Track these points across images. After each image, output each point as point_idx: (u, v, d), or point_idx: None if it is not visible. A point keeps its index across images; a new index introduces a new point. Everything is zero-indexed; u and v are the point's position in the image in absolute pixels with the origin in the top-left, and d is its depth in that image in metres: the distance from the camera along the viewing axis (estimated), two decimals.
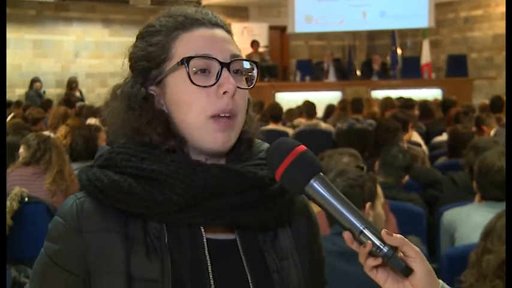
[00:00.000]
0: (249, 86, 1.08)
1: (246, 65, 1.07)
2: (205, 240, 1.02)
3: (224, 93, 1.02)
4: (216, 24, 1.07)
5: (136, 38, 1.10)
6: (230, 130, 1.04)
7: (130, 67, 1.08)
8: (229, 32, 1.10)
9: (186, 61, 1.02)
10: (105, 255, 1.00)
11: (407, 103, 8.03)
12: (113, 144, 1.08)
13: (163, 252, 0.99)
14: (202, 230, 1.02)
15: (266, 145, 1.12)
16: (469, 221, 2.76)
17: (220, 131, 1.02)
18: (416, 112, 7.65)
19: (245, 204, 1.02)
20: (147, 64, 1.05)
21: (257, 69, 1.08)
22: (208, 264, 1.01)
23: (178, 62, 1.02)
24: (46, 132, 6.61)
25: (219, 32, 1.07)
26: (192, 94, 1.02)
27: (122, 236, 1.00)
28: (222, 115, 1.02)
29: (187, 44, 1.04)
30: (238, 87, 1.03)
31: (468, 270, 1.89)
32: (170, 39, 1.05)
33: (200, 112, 1.02)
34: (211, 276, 1.00)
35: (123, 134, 1.06)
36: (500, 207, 2.11)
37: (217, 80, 1.02)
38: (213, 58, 1.02)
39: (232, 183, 1.01)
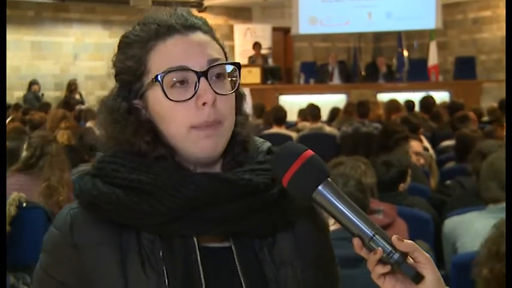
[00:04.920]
0: (232, 88, 1.05)
1: (228, 67, 1.05)
2: (197, 249, 1.01)
3: (204, 104, 1.01)
4: (192, 27, 1.05)
5: (117, 48, 1.09)
6: (216, 137, 1.02)
7: (115, 78, 1.09)
8: (207, 31, 1.06)
9: (160, 78, 1.01)
10: (100, 269, 0.99)
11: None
12: (104, 151, 1.09)
13: (158, 265, 0.99)
14: (195, 239, 1.01)
15: (267, 145, 1.11)
16: (471, 229, 2.75)
17: (205, 139, 1.01)
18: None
19: (237, 212, 1.01)
20: (128, 77, 1.05)
21: (239, 70, 1.06)
22: (201, 273, 1.00)
23: (153, 79, 1.02)
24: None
25: (195, 37, 1.04)
26: (171, 109, 1.01)
27: (117, 249, 1.00)
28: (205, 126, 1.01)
29: (161, 56, 1.03)
30: (219, 93, 1.02)
31: None
32: (145, 52, 1.04)
33: (181, 125, 1.01)
34: (203, 285, 0.99)
35: (111, 146, 1.06)
36: (502, 214, 2.06)
37: (195, 92, 1.01)
38: (188, 69, 1.01)
39: (222, 191, 1.00)
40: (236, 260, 1.02)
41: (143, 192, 0.99)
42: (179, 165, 1.04)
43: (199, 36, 1.04)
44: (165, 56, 1.02)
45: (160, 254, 0.99)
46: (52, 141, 3.86)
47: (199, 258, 1.00)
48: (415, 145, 4.42)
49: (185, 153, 1.03)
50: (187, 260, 1.00)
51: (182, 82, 1.01)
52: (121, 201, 0.99)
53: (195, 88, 1.00)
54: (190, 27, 1.04)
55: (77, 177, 1.11)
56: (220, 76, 1.03)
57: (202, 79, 1.00)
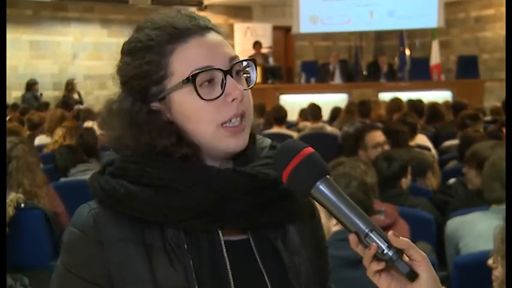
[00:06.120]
0: (248, 85, 1.10)
1: (244, 63, 1.10)
2: (223, 242, 1.05)
3: (233, 100, 1.05)
4: (207, 28, 1.08)
5: (123, 54, 1.10)
6: (242, 133, 1.07)
7: (123, 83, 1.09)
8: (219, 32, 1.11)
9: (192, 78, 1.04)
10: (127, 266, 1.02)
11: (416, 106, 7.73)
12: (120, 150, 1.09)
13: (185, 259, 1.02)
14: (220, 233, 1.05)
15: (268, 141, 1.16)
16: (474, 229, 2.76)
17: (232, 137, 1.06)
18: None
19: (259, 205, 1.05)
20: (144, 82, 1.06)
21: (255, 66, 1.12)
22: (227, 265, 1.04)
23: (184, 80, 1.04)
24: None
25: (212, 37, 1.08)
26: (201, 108, 1.04)
27: (141, 246, 1.02)
28: (234, 120, 1.05)
29: (184, 58, 1.05)
30: (244, 89, 1.07)
31: None
32: (165, 55, 1.05)
33: (210, 123, 1.05)
34: (231, 277, 1.04)
35: (132, 149, 1.06)
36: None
37: (223, 90, 1.05)
38: (215, 69, 1.05)
39: (246, 186, 1.04)
40: (255, 251, 1.07)
41: (172, 189, 1.02)
42: (202, 163, 1.08)
43: (214, 36, 1.09)
44: (188, 57, 1.05)
45: (185, 247, 1.02)
46: (18, 143, 3.67)
47: (224, 251, 1.04)
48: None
49: (211, 150, 1.07)
50: (213, 252, 1.04)
51: (210, 81, 1.05)
52: (151, 200, 1.02)
53: (221, 86, 1.05)
54: (205, 28, 1.08)
55: (93, 176, 1.11)
56: (239, 72, 1.08)
57: (228, 77, 1.05)
